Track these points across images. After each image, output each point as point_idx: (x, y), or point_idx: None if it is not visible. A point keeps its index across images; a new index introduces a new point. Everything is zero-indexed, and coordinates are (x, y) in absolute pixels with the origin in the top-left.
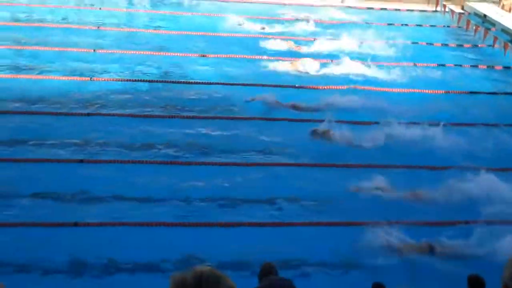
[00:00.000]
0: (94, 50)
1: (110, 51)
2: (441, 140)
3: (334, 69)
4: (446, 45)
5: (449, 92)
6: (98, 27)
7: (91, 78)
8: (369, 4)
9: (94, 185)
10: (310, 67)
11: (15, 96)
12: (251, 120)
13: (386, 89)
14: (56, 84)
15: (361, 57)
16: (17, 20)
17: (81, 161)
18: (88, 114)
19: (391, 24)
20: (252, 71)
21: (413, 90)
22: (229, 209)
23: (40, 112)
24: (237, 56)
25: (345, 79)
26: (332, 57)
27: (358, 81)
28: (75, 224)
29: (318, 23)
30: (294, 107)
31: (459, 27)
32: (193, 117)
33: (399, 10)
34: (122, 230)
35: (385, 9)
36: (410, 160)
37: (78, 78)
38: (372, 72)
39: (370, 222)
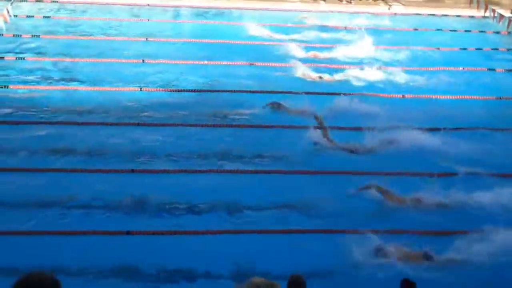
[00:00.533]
0: (143, 61)
1: (156, 61)
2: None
3: (377, 75)
4: (496, 49)
5: (500, 98)
6: (147, 38)
7: (140, 88)
8: (417, 11)
9: (145, 194)
10: (369, 73)
11: (68, 107)
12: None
13: (435, 96)
14: (107, 95)
15: (405, 64)
16: (68, 33)
17: (132, 170)
18: (138, 124)
19: (439, 30)
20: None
21: (463, 97)
22: (280, 218)
23: (91, 122)
24: (281, 65)
25: (390, 84)
26: (381, 63)
27: (403, 88)
28: (128, 233)
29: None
30: None
31: (509, 32)
32: (243, 126)
33: (447, 16)
34: (174, 239)
35: (433, 15)
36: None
37: (127, 89)
38: (418, 78)
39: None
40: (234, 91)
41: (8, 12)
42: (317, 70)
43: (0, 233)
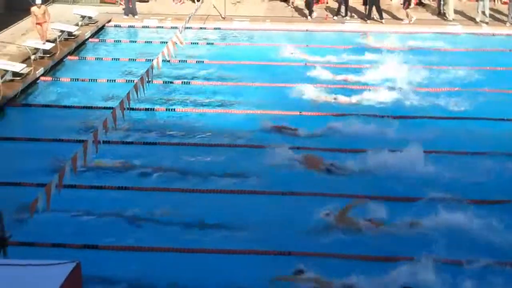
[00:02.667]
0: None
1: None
2: None
3: (392, 96)
4: None
5: None
6: (305, 63)
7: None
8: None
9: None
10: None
11: (227, 130)
12: None
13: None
14: (236, 118)
15: (434, 85)
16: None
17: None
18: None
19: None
20: None
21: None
22: None
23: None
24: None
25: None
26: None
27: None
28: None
29: (413, 51)
30: None
31: None
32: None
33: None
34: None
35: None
36: None
37: (287, 113)
38: (431, 100)
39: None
40: None
41: (177, 39)
42: (335, 91)
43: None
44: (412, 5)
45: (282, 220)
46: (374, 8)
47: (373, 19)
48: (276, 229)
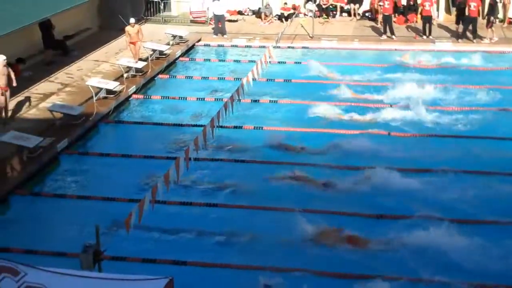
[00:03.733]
0: (391, 106)
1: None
2: None
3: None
4: None
5: None
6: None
7: (389, 133)
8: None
9: None
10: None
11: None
12: None
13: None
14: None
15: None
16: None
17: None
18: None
19: None
20: None
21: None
22: None
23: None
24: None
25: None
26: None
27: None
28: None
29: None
30: None
31: None
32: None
33: None
34: None
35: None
36: None
37: (375, 132)
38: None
39: None
40: None
41: (269, 55)
42: (352, 109)
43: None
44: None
45: None
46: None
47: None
48: None
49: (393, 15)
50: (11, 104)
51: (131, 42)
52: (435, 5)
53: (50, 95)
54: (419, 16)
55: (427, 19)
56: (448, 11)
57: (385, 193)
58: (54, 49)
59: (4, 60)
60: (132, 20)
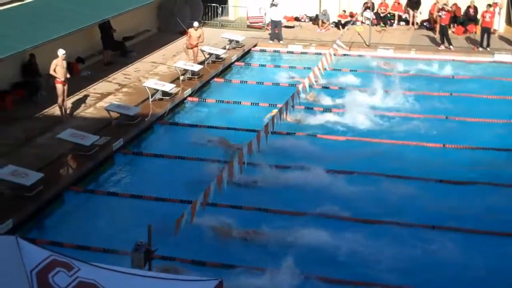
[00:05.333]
0: (446, 117)
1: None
2: None
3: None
4: None
5: None
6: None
7: (443, 145)
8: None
9: None
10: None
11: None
12: None
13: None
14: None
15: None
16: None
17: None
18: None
19: None
20: None
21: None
22: None
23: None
24: None
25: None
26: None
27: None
28: None
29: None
30: None
31: None
32: None
33: None
34: None
35: None
36: None
37: (430, 144)
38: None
39: None
40: None
41: (339, 46)
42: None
43: None
44: None
45: None
46: None
47: None
48: None
49: (448, 25)
50: (69, 102)
51: (191, 45)
52: (497, 16)
53: (107, 95)
54: (478, 27)
55: (486, 30)
56: (509, 22)
57: None
58: (113, 50)
59: (64, 54)
60: (195, 23)
